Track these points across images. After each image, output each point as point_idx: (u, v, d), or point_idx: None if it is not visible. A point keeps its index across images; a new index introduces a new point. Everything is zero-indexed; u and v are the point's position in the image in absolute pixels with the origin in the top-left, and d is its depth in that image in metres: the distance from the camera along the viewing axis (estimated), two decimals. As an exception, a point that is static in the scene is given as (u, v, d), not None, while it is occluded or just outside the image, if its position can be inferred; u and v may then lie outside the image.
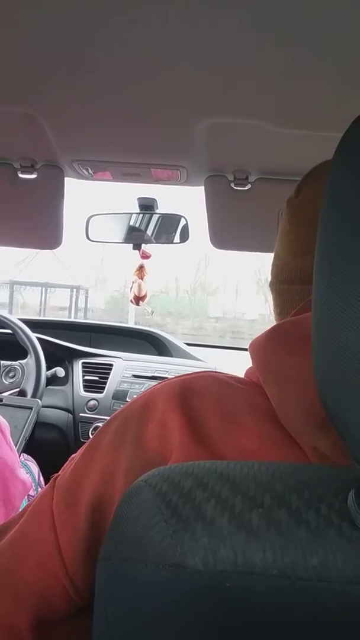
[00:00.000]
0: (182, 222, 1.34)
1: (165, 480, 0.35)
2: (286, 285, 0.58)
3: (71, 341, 1.77)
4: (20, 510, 1.00)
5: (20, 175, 1.11)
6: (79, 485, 0.49)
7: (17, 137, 1.00)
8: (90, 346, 1.80)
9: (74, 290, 9.24)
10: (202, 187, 1.15)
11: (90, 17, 0.59)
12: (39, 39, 0.64)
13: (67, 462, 0.55)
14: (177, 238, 1.34)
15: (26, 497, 1.18)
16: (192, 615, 0.32)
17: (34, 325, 1.64)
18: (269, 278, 0.63)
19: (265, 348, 0.48)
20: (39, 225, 1.17)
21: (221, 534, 0.31)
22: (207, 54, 0.65)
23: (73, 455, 0.55)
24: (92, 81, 0.74)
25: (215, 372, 0.53)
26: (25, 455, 1.35)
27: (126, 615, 0.34)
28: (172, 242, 1.33)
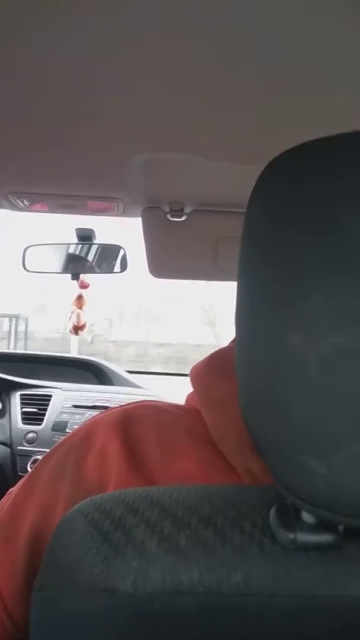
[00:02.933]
0: (121, 252, 1.35)
1: (97, 509, 0.36)
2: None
3: (10, 373, 1.73)
4: None
5: None
6: (17, 520, 0.49)
7: None
8: (29, 377, 1.77)
9: (13, 318, 9.01)
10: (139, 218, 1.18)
11: (25, 56, 0.60)
12: None
13: (5, 496, 0.54)
14: (116, 267, 1.36)
15: None
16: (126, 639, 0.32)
17: None
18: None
19: (204, 374, 0.51)
20: None
21: (150, 556, 0.32)
22: (140, 92, 0.67)
23: (11, 490, 0.54)
24: (26, 114, 0.75)
25: (156, 401, 0.54)
26: None
27: None
28: (111, 272, 1.34)
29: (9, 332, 8.76)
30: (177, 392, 1.72)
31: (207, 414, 0.47)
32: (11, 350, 1.90)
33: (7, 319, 8.98)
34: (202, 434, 0.46)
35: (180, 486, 0.38)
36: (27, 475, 0.53)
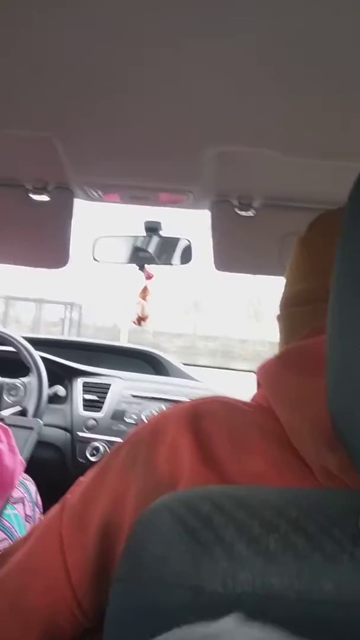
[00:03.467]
0: (186, 245, 1.36)
1: (183, 504, 0.36)
2: (294, 308, 0.60)
3: (69, 359, 1.77)
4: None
5: (32, 197, 1.13)
6: (88, 508, 0.50)
7: (31, 160, 1.02)
8: (88, 364, 1.81)
9: (68, 306, 9.21)
10: (206, 211, 1.18)
11: (107, 51, 0.61)
12: (62, 69, 0.67)
13: (75, 484, 0.55)
14: (180, 260, 1.36)
15: (23, 515, 1.17)
16: None
17: (34, 342, 1.64)
18: (277, 310, 0.65)
19: (276, 371, 0.50)
20: (47, 245, 1.18)
21: (240, 557, 0.32)
22: (216, 85, 0.67)
23: (80, 478, 0.56)
24: (107, 109, 0.76)
25: (224, 396, 0.54)
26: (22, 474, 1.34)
27: (142, 637, 0.34)
28: (175, 264, 1.35)
29: (63, 319, 8.98)
30: (230, 386, 1.72)
31: (281, 411, 0.46)
32: (72, 338, 1.95)
33: (62, 306, 9.20)
34: (274, 431, 0.46)
35: (265, 487, 0.38)
36: (97, 465, 0.54)
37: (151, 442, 0.49)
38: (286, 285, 0.63)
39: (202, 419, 0.48)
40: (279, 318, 0.63)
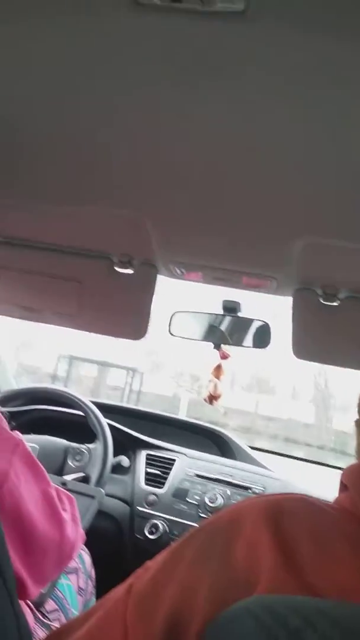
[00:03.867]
0: (264, 327, 1.36)
1: (270, 613, 0.34)
2: None
3: (133, 428, 1.77)
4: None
5: (117, 270, 1.18)
6: (156, 596, 0.48)
7: (121, 235, 1.07)
8: (152, 436, 1.80)
9: (130, 372, 9.32)
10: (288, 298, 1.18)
11: (201, 139, 0.65)
12: (157, 151, 0.71)
13: (142, 569, 0.54)
14: (258, 342, 1.36)
15: (76, 588, 1.14)
16: None
17: (99, 408, 1.66)
18: (357, 416, 0.63)
19: None
20: (128, 316, 1.22)
21: None
22: (309, 177, 0.69)
23: (148, 563, 0.54)
24: (198, 194, 0.80)
25: (305, 495, 0.52)
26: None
27: None
28: (254, 346, 1.35)
29: (125, 385, 9.06)
30: (298, 475, 1.65)
31: None
32: (136, 406, 1.96)
33: (124, 372, 9.32)
34: None
35: (359, 606, 0.35)
36: (167, 551, 0.52)
37: (229, 534, 0.47)
38: None
39: (284, 517, 0.46)
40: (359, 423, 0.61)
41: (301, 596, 0.37)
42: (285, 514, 0.47)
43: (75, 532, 0.95)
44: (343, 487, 0.52)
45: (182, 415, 2.44)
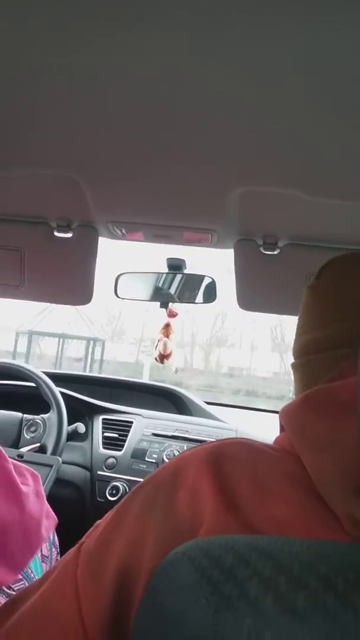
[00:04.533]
0: (210, 283, 1.35)
1: (205, 554, 0.34)
2: (314, 355, 0.58)
3: (91, 396, 1.77)
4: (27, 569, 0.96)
5: (56, 234, 1.15)
6: (104, 554, 0.48)
7: (56, 198, 1.04)
8: (109, 401, 1.80)
9: (91, 342, 9.29)
10: (230, 250, 1.18)
11: (131, 95, 0.63)
12: (87, 114, 0.68)
13: (92, 528, 0.54)
14: (204, 298, 1.36)
15: (39, 556, 1.14)
16: None
17: (55, 378, 1.64)
18: (292, 358, 0.64)
19: (301, 415, 0.48)
20: (71, 282, 1.19)
21: (265, 614, 0.30)
22: (242, 126, 0.68)
23: (98, 522, 0.54)
24: (132, 152, 0.78)
25: (247, 439, 0.53)
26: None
27: None
28: (198, 302, 1.35)
29: (86, 355, 9.04)
30: (254, 426, 1.69)
31: (308, 457, 0.45)
32: (93, 374, 1.95)
33: (84, 342, 9.29)
34: (300, 476, 0.44)
35: (293, 539, 0.36)
36: (114, 509, 0.52)
37: (171, 485, 0.47)
38: (303, 333, 0.62)
39: (224, 461, 0.47)
40: (296, 366, 0.62)
41: (238, 535, 0.37)
42: (226, 457, 0.47)
43: (40, 509, 0.93)
44: (281, 427, 0.53)
45: (145, 379, 2.45)
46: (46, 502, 0.97)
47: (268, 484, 0.44)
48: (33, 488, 0.93)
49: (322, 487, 0.42)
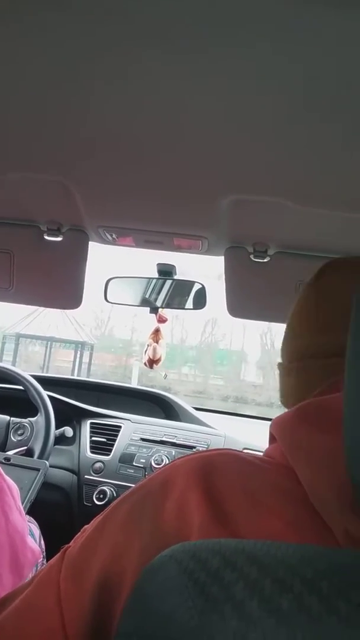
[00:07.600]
0: (200, 289, 1.36)
1: (192, 557, 0.34)
2: (311, 360, 0.58)
3: (79, 400, 1.76)
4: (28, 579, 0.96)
5: (46, 237, 1.15)
6: (88, 559, 0.47)
7: (47, 202, 1.04)
8: (98, 406, 1.79)
9: (79, 345, 9.25)
10: (221, 257, 1.19)
11: (123, 99, 0.63)
12: (79, 119, 0.69)
13: (79, 533, 0.54)
14: (193, 304, 1.36)
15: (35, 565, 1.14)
16: None
17: (43, 382, 1.64)
18: (280, 359, 0.63)
19: (295, 428, 0.48)
20: (61, 286, 1.19)
21: (250, 617, 0.30)
22: (234, 135, 0.68)
23: (85, 527, 0.54)
24: (123, 157, 0.78)
25: (236, 450, 0.53)
26: (27, 516, 1.31)
27: None
28: (188, 308, 1.35)
29: (74, 359, 9.00)
30: (243, 433, 1.69)
31: (303, 471, 0.44)
32: (82, 378, 1.94)
33: (73, 345, 9.25)
34: (293, 490, 0.44)
35: (279, 543, 0.36)
36: (101, 515, 0.52)
37: (160, 495, 0.47)
38: (299, 335, 0.61)
39: (215, 473, 0.46)
40: (289, 369, 0.61)
41: (224, 539, 0.37)
42: (215, 468, 0.47)
43: (22, 521, 0.93)
44: (272, 438, 0.53)
45: (133, 384, 2.44)
46: (25, 516, 0.96)
47: (259, 497, 0.44)
48: (15, 501, 0.93)
49: (318, 502, 0.41)
